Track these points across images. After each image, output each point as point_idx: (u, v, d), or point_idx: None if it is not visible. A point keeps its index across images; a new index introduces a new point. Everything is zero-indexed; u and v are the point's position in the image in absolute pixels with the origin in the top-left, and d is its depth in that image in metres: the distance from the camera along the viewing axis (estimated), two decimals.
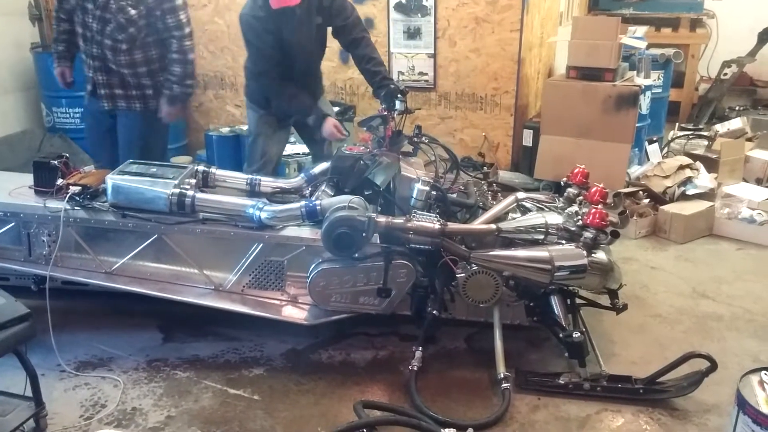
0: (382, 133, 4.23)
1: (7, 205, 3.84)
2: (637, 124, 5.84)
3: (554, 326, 3.57)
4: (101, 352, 3.79)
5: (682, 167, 5.86)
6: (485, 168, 5.52)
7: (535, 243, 3.62)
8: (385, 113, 4.29)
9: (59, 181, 3.83)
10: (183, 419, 3.25)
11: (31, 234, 3.85)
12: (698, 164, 5.98)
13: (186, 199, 3.67)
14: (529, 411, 3.31)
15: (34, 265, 3.87)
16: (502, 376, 3.34)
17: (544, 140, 5.97)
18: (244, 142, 6.55)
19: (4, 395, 3.09)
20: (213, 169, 4.18)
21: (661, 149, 6.66)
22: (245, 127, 6.61)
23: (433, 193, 3.88)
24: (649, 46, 6.81)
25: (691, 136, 7.06)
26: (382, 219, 3.48)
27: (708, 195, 5.69)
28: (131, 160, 3.98)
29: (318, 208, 3.55)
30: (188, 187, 3.76)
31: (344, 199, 3.53)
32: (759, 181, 6.34)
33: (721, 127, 7.20)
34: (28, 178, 3.97)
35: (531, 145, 6.18)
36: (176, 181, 3.72)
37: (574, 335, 3.39)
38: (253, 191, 4.12)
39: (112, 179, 3.72)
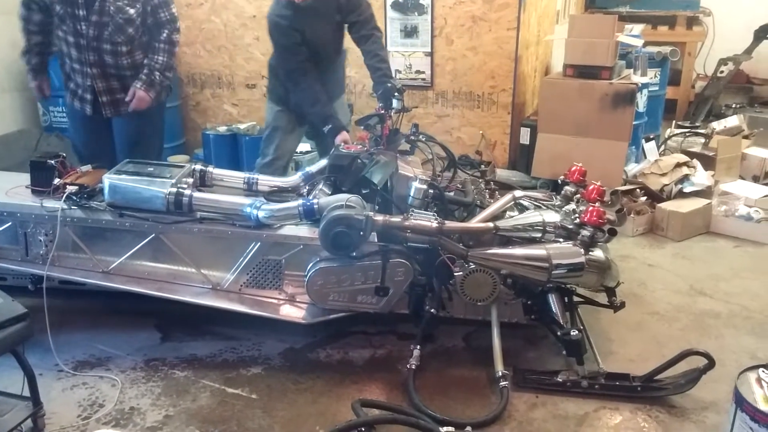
0: (379, 131, 4.23)
1: (4, 204, 3.83)
2: (634, 122, 5.84)
3: (552, 324, 3.57)
4: (99, 351, 3.78)
5: (679, 165, 5.87)
6: (482, 166, 5.53)
7: (532, 241, 3.62)
8: (383, 112, 4.29)
9: (56, 181, 3.82)
10: (181, 418, 3.25)
11: (28, 233, 3.84)
12: (695, 162, 5.99)
13: (183, 199, 3.67)
14: (527, 409, 3.31)
15: (32, 265, 3.86)
16: (500, 374, 3.34)
17: (541, 138, 5.97)
18: (241, 141, 6.57)
19: (2, 395, 3.09)
20: (210, 168, 4.17)
21: (658, 147, 6.66)
22: (242, 126, 6.63)
23: (431, 191, 3.89)
24: (645, 44, 6.81)
25: (687, 134, 7.06)
26: (379, 218, 3.48)
27: (705, 192, 5.70)
28: (128, 160, 3.98)
29: (315, 206, 3.54)
30: (185, 186, 3.75)
31: (342, 197, 3.53)
32: (756, 179, 6.36)
33: (717, 125, 7.20)
34: (25, 178, 3.96)
35: (528, 143, 6.19)
36: (173, 181, 3.72)
37: (571, 333, 3.39)
38: (250, 190, 4.12)
39: (109, 179, 3.72)
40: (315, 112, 4.62)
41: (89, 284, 3.87)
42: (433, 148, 4.35)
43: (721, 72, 8.53)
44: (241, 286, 3.80)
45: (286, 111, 4.86)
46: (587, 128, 5.73)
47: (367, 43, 4.70)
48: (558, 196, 4.00)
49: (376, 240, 3.55)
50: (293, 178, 4.18)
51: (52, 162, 3.86)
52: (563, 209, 3.79)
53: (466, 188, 4.21)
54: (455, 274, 3.49)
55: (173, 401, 3.38)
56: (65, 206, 3.72)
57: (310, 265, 3.60)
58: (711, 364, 3.26)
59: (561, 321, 3.51)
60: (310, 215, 3.58)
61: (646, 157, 6.31)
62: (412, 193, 3.89)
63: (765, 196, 5.63)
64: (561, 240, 3.57)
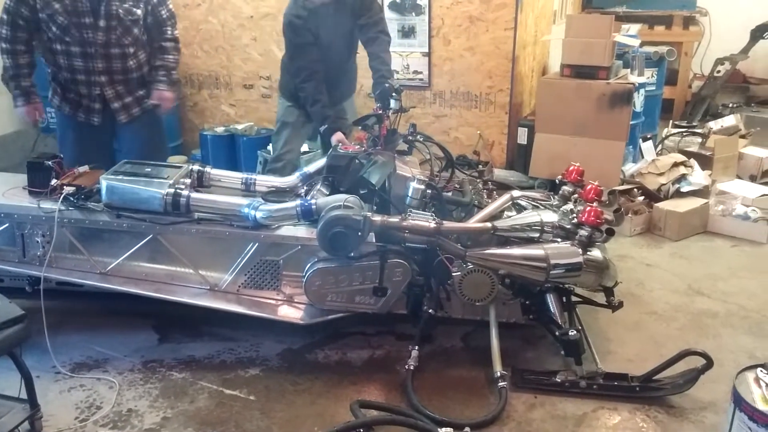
0: (377, 131, 4.22)
1: (0, 205, 3.82)
2: (631, 122, 5.84)
3: (550, 324, 3.57)
4: (96, 353, 3.78)
5: (676, 164, 5.87)
6: (480, 166, 5.53)
7: (530, 241, 3.62)
8: (380, 112, 4.29)
9: (53, 182, 3.81)
10: (179, 420, 3.24)
11: (25, 235, 3.83)
12: (692, 161, 6.00)
13: (181, 199, 3.66)
14: (526, 409, 3.31)
15: (29, 266, 3.85)
16: (498, 374, 3.35)
17: (538, 138, 5.97)
18: (239, 142, 6.57)
19: None
20: (208, 169, 4.16)
21: (656, 147, 6.66)
22: (240, 127, 6.64)
23: (429, 191, 3.89)
24: (642, 44, 6.82)
25: (684, 134, 7.06)
26: (377, 218, 3.48)
27: (702, 192, 5.70)
28: (125, 160, 3.97)
29: (313, 207, 3.54)
30: (183, 186, 3.75)
31: (340, 198, 3.53)
32: (753, 178, 6.37)
33: (714, 125, 7.21)
34: (22, 179, 3.95)
35: (526, 143, 6.19)
36: (171, 181, 3.72)
37: (570, 333, 3.40)
38: (248, 191, 4.12)
39: (106, 179, 3.71)
40: (314, 111, 4.71)
41: (87, 285, 3.86)
42: (430, 149, 4.35)
43: (718, 72, 8.53)
44: (239, 286, 3.80)
45: (295, 107, 4.96)
46: (584, 128, 5.73)
47: (372, 45, 4.80)
48: (556, 196, 4.00)
49: (374, 240, 3.55)
50: (291, 179, 4.18)
51: (49, 163, 3.84)
52: (561, 209, 3.79)
53: (463, 188, 4.21)
54: (453, 274, 3.49)
55: (171, 403, 3.37)
56: (62, 207, 3.71)
57: (308, 265, 3.60)
58: (709, 364, 3.27)
59: (559, 321, 3.52)
60: (308, 216, 3.57)
61: (643, 157, 6.30)
62: (410, 194, 3.89)
63: (762, 196, 5.64)
64: (559, 240, 3.57)
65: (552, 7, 7.45)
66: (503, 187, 4.79)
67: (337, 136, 4.53)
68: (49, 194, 3.79)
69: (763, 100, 9.38)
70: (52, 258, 3.79)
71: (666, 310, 4.25)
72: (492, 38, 6.12)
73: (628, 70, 6.20)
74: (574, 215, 3.61)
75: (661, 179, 5.78)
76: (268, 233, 3.68)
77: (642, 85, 6.38)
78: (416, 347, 3.52)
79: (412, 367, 3.44)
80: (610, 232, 3.60)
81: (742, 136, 6.96)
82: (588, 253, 3.50)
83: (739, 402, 2.71)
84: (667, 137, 7.05)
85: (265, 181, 4.17)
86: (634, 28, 7.27)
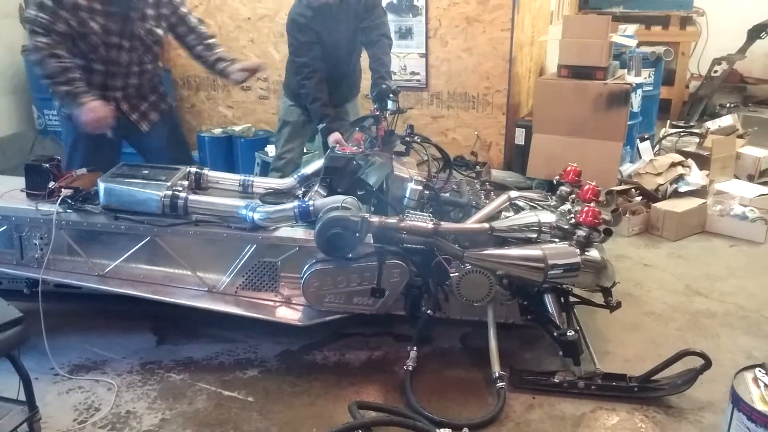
0: (374, 132, 4.23)
1: None
2: (628, 122, 5.84)
3: (548, 325, 3.57)
4: (95, 355, 3.78)
5: (673, 165, 5.88)
6: (478, 167, 5.53)
7: (528, 242, 3.62)
8: (378, 113, 4.30)
9: (51, 184, 3.81)
10: (177, 422, 3.24)
11: (23, 237, 3.83)
12: (690, 161, 6.00)
13: (179, 201, 3.66)
14: (524, 410, 3.31)
15: (27, 269, 3.86)
16: (496, 375, 3.34)
17: (536, 139, 5.98)
18: (236, 143, 6.57)
19: None
20: (205, 171, 4.16)
21: (653, 147, 6.67)
22: (238, 128, 6.64)
23: (426, 192, 3.89)
24: (639, 44, 6.83)
25: (682, 134, 7.07)
26: (375, 219, 3.48)
27: (700, 192, 5.70)
28: (123, 162, 3.97)
29: (311, 208, 3.53)
30: (181, 188, 3.75)
31: (337, 199, 3.52)
32: (750, 178, 6.37)
33: (712, 125, 7.21)
34: (20, 181, 3.95)
35: (523, 143, 6.19)
36: (169, 183, 3.72)
37: (568, 334, 3.40)
38: (245, 192, 4.12)
39: (104, 182, 3.71)
40: (313, 108, 4.77)
41: (85, 287, 3.86)
42: (428, 150, 4.35)
43: (715, 71, 8.54)
44: (237, 288, 3.80)
45: (297, 106, 5.00)
46: (582, 128, 5.73)
47: (374, 47, 4.87)
48: (553, 197, 4.00)
49: (371, 241, 3.55)
50: (289, 180, 4.18)
51: (47, 165, 3.84)
52: (559, 209, 3.79)
53: (461, 189, 4.21)
54: (451, 275, 3.49)
55: (169, 404, 3.37)
56: (60, 209, 3.71)
57: (306, 266, 3.59)
58: (707, 364, 3.27)
59: (557, 321, 3.52)
60: (306, 217, 3.57)
61: (641, 157, 6.32)
62: (407, 195, 3.90)
63: (760, 196, 5.63)
64: (557, 240, 3.57)
65: (549, 7, 7.46)
66: (501, 187, 4.78)
67: (334, 137, 4.55)
68: (47, 196, 3.80)
69: (761, 100, 9.40)
70: (50, 260, 3.79)
71: (664, 310, 4.25)
72: (489, 39, 6.12)
73: (626, 70, 6.20)
74: (572, 216, 3.61)
75: (658, 179, 5.78)
76: (266, 235, 3.68)
77: (639, 86, 6.39)
78: (414, 348, 3.52)
79: (410, 368, 3.44)
80: (608, 233, 3.60)
81: (740, 136, 6.96)
82: (586, 253, 3.50)
83: (738, 402, 2.72)
84: (664, 137, 7.06)
85: (262, 183, 4.18)
86: (631, 28, 7.27)
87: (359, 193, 3.72)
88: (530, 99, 6.79)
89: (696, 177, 5.78)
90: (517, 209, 3.93)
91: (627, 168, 6.12)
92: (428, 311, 3.55)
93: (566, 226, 3.58)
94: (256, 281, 3.79)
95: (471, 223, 3.70)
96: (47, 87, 4.08)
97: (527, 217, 3.71)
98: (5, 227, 3.83)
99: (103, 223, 3.74)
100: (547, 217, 3.68)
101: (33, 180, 3.86)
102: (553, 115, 5.85)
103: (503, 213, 3.86)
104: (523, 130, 6.21)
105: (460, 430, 3.03)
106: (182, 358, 3.76)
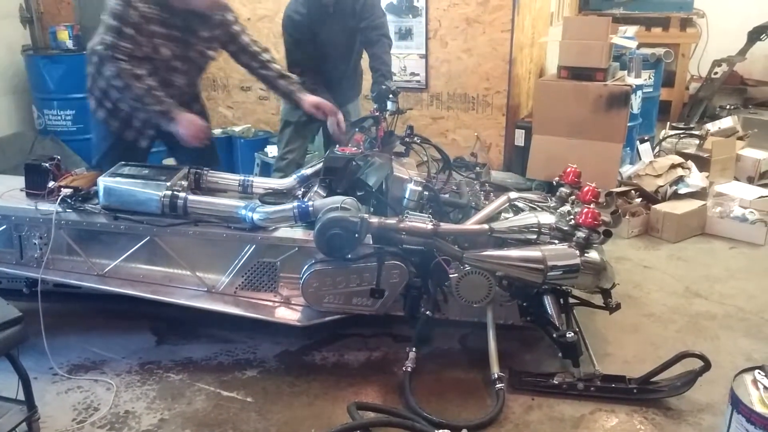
0: (374, 133, 4.23)
1: None
2: (628, 124, 5.84)
3: (548, 326, 3.57)
4: (94, 355, 3.78)
5: (673, 166, 5.87)
6: (477, 168, 5.52)
7: (527, 243, 3.62)
8: (377, 114, 4.30)
9: (51, 184, 3.81)
10: (176, 422, 3.24)
11: (22, 236, 3.83)
12: (690, 163, 6.00)
13: (178, 201, 3.66)
14: (523, 411, 3.31)
15: (26, 268, 3.86)
16: (496, 376, 3.34)
17: (536, 140, 5.97)
18: (236, 144, 6.57)
19: None
20: (205, 171, 4.16)
21: (653, 148, 6.67)
22: (238, 129, 6.64)
23: (426, 193, 3.89)
24: (639, 46, 6.82)
25: (682, 135, 7.06)
26: (374, 219, 3.48)
27: (700, 194, 5.70)
28: (123, 162, 3.97)
29: (310, 209, 3.53)
30: (180, 188, 3.75)
31: (337, 200, 3.52)
32: (750, 180, 6.37)
33: (712, 126, 7.20)
34: (20, 181, 3.95)
35: (523, 144, 6.19)
36: (168, 183, 3.72)
37: (567, 335, 3.40)
38: (245, 192, 4.12)
39: (103, 181, 3.71)
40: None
41: (84, 287, 3.86)
42: (428, 150, 4.35)
43: (715, 73, 8.54)
44: (237, 288, 3.80)
45: (296, 107, 4.89)
46: (582, 130, 5.73)
47: (373, 47, 4.89)
48: (553, 198, 4.00)
49: (371, 242, 3.55)
50: (288, 181, 4.17)
51: (47, 165, 3.85)
52: (558, 211, 3.79)
53: (461, 190, 4.21)
54: (450, 275, 3.48)
55: (168, 405, 3.37)
56: (60, 209, 3.71)
57: (306, 267, 3.59)
58: (707, 366, 3.27)
59: (557, 323, 3.51)
60: (305, 217, 3.57)
61: (640, 159, 6.31)
62: (407, 195, 3.90)
63: (760, 197, 5.63)
64: (556, 242, 3.57)
65: (549, 9, 7.45)
66: (500, 188, 4.77)
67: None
68: (47, 196, 3.80)
69: (761, 102, 9.40)
70: (49, 260, 3.79)
71: (664, 312, 4.25)
72: (489, 40, 6.12)
73: (626, 71, 6.21)
74: (572, 217, 3.62)
75: (658, 181, 5.78)
76: (266, 235, 3.68)
77: (639, 87, 6.40)
78: (413, 349, 3.52)
79: (409, 369, 3.44)
80: (608, 234, 3.60)
81: (740, 138, 6.96)
82: (585, 254, 3.49)
83: (737, 404, 2.72)
84: (664, 139, 7.06)
85: (262, 183, 4.17)
86: (632, 29, 7.26)
87: (359, 193, 3.73)
88: (530, 100, 6.79)
89: (696, 179, 5.78)
90: (517, 210, 3.93)
91: (627, 169, 6.12)
92: (427, 312, 3.54)
93: (566, 228, 3.58)
94: (256, 281, 3.79)
95: (470, 224, 3.70)
96: (135, 110, 4.04)
97: (527, 218, 3.71)
98: (5, 227, 3.83)
99: (103, 222, 3.74)
100: (547, 218, 3.68)
101: (33, 179, 3.86)
102: (553, 117, 5.84)
103: (503, 214, 3.86)
104: (523, 131, 6.21)
105: (458, 431, 3.03)
106: (181, 358, 3.76)
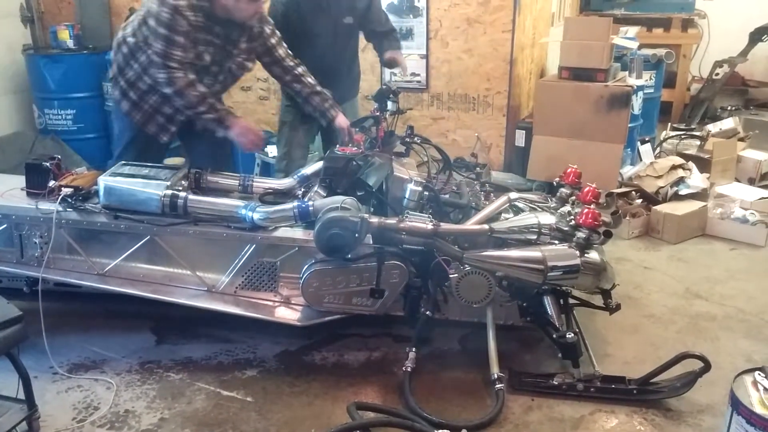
0: (374, 133, 4.23)
1: None
2: (629, 125, 5.84)
3: (547, 326, 3.57)
4: (94, 354, 3.78)
5: (674, 167, 5.87)
6: (478, 168, 5.52)
7: (527, 243, 3.62)
8: (377, 114, 4.30)
9: (51, 183, 3.82)
10: (176, 421, 3.24)
11: (23, 236, 3.83)
12: (690, 164, 5.99)
13: (178, 201, 3.66)
14: (523, 412, 3.31)
15: (27, 267, 3.86)
16: (495, 376, 3.34)
17: (536, 141, 5.97)
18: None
19: None
20: (205, 171, 4.16)
21: (654, 149, 6.67)
22: None
23: (426, 193, 3.89)
24: (640, 47, 6.82)
25: (683, 136, 7.07)
26: (374, 219, 3.48)
27: (700, 195, 5.69)
28: (123, 162, 3.97)
29: (310, 208, 3.54)
30: (181, 188, 3.76)
31: (337, 199, 3.52)
32: (751, 181, 6.37)
33: (713, 127, 7.20)
34: (20, 180, 3.95)
35: (523, 145, 6.18)
36: (169, 183, 3.72)
37: (567, 336, 3.40)
38: (245, 192, 4.12)
39: (104, 180, 3.71)
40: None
41: (84, 287, 3.87)
42: (428, 151, 4.35)
43: (717, 74, 8.52)
44: (237, 288, 3.80)
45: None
46: (582, 130, 5.73)
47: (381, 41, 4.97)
48: (553, 199, 4.00)
49: (371, 242, 3.55)
50: (288, 180, 4.17)
51: (48, 164, 3.85)
52: (558, 211, 3.79)
53: (461, 190, 4.21)
54: (450, 276, 3.48)
55: (168, 404, 3.37)
56: (60, 208, 3.72)
57: (305, 267, 3.59)
58: (707, 367, 3.26)
59: (556, 323, 3.51)
60: (305, 217, 3.57)
61: (641, 160, 6.32)
62: (407, 195, 3.90)
63: (760, 199, 5.63)
64: (556, 242, 3.57)
65: (550, 9, 7.44)
66: (501, 189, 4.77)
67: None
68: (47, 195, 3.80)
69: (762, 103, 9.39)
70: (50, 259, 3.79)
71: (664, 313, 4.25)
72: (490, 40, 6.11)
73: (627, 72, 6.20)
74: (572, 217, 3.62)
75: (659, 182, 5.78)
76: (266, 235, 3.68)
77: (640, 88, 6.39)
78: (413, 349, 3.52)
79: (409, 369, 3.44)
80: (608, 234, 3.60)
81: (741, 139, 6.95)
82: (585, 255, 3.49)
83: (737, 405, 2.71)
84: (665, 140, 7.06)
85: (262, 183, 4.17)
86: (633, 30, 7.27)
87: (359, 193, 3.73)
88: (531, 101, 6.78)
89: (697, 180, 5.78)
90: (517, 211, 3.93)
91: (627, 170, 6.12)
92: (427, 312, 3.54)
93: (566, 228, 3.58)
94: (256, 281, 3.79)
95: (471, 225, 3.70)
96: (192, 115, 4.07)
97: (527, 218, 3.71)
98: (5, 226, 3.83)
99: (103, 222, 3.74)
100: (547, 218, 3.68)
101: (33, 179, 3.87)
102: (554, 117, 5.84)
103: (503, 214, 3.86)
104: (524, 131, 6.20)
105: None
106: (181, 357, 3.76)
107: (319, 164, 4.04)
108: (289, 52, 4.45)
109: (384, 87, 4.42)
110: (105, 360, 3.73)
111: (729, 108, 8.88)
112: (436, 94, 6.42)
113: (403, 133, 4.43)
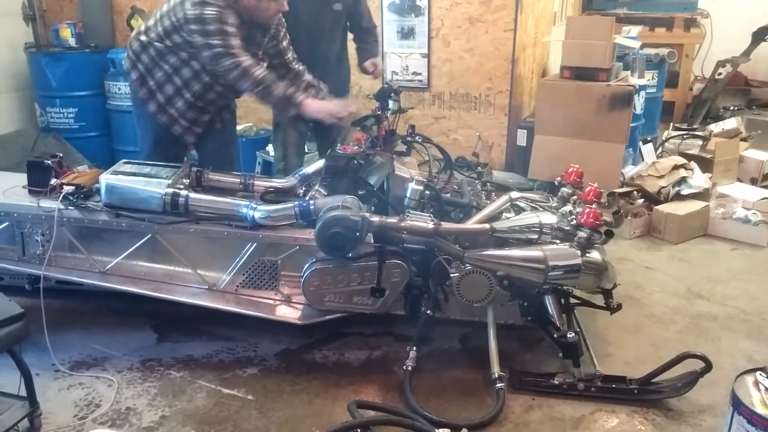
0: (375, 132, 4.22)
1: (0, 204, 3.84)
2: (631, 124, 5.83)
3: (548, 326, 3.57)
4: (95, 351, 3.78)
5: (676, 167, 5.87)
6: (479, 168, 5.53)
7: (529, 242, 3.62)
8: (379, 113, 4.29)
9: (53, 181, 3.82)
10: (177, 419, 3.25)
11: (24, 234, 3.84)
12: (693, 164, 5.99)
13: (180, 199, 3.66)
14: (524, 411, 3.31)
15: (28, 265, 3.87)
16: (496, 376, 3.34)
17: (538, 140, 5.97)
18: (237, 143, 6.55)
19: None
20: (206, 169, 4.16)
21: (656, 149, 6.66)
22: (239, 128, 6.60)
23: (427, 192, 3.89)
24: (643, 46, 6.81)
25: (685, 136, 7.07)
26: (375, 218, 3.48)
27: (702, 195, 5.69)
28: (125, 160, 3.98)
29: (311, 207, 3.54)
30: (182, 186, 3.75)
31: (338, 198, 3.53)
32: (753, 181, 6.37)
33: (715, 127, 7.20)
34: (22, 178, 3.96)
35: (525, 144, 6.18)
36: (170, 181, 3.72)
37: (568, 335, 3.39)
38: (246, 191, 4.12)
39: (105, 179, 3.72)
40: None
41: (86, 284, 3.87)
42: (429, 150, 4.35)
43: (719, 74, 8.52)
44: (238, 286, 3.80)
45: None
46: (584, 130, 5.72)
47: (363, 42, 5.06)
48: (555, 198, 4.00)
49: (372, 241, 3.55)
50: (289, 179, 4.17)
51: (49, 162, 3.86)
52: (560, 211, 3.79)
53: (462, 190, 4.21)
54: (451, 275, 3.48)
55: (169, 402, 3.38)
56: (62, 206, 3.72)
57: (306, 265, 3.59)
58: (708, 367, 3.27)
59: (557, 323, 3.51)
60: (307, 216, 3.58)
61: (643, 159, 6.31)
62: (408, 194, 3.90)
63: (763, 199, 5.63)
64: (558, 242, 3.57)
65: (552, 8, 7.44)
66: (502, 188, 4.77)
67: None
68: (49, 193, 3.81)
69: (765, 103, 9.39)
70: (51, 257, 3.80)
71: (665, 313, 4.25)
72: (492, 39, 6.11)
73: (629, 72, 6.20)
74: (573, 217, 3.61)
75: (661, 182, 5.78)
76: (267, 233, 3.68)
77: (642, 88, 6.38)
78: (414, 348, 3.52)
79: (409, 368, 3.44)
80: (609, 234, 3.59)
81: (743, 139, 6.96)
82: (587, 254, 3.49)
83: (738, 405, 2.71)
84: (667, 140, 7.06)
85: (263, 182, 4.17)
86: (635, 29, 7.27)
87: (360, 192, 3.72)
88: (532, 100, 6.78)
89: (699, 180, 5.77)
90: (518, 210, 3.93)
91: (629, 170, 6.12)
92: (428, 311, 3.54)
93: (567, 228, 3.58)
94: (257, 280, 3.79)
95: (472, 224, 3.70)
96: (259, 98, 4.11)
97: (528, 218, 3.71)
98: (7, 223, 3.84)
99: (105, 220, 3.74)
100: (548, 218, 3.68)
101: (35, 177, 3.87)
102: (556, 117, 5.84)
103: (504, 214, 3.86)
104: (525, 131, 6.19)
105: (458, 431, 3.03)
106: (182, 355, 3.76)
107: (320, 163, 4.05)
108: (295, 55, 4.48)
109: (385, 86, 4.41)
110: (106, 357, 3.73)
111: (731, 108, 8.88)
112: (437, 94, 6.43)
113: (405, 132, 4.42)
